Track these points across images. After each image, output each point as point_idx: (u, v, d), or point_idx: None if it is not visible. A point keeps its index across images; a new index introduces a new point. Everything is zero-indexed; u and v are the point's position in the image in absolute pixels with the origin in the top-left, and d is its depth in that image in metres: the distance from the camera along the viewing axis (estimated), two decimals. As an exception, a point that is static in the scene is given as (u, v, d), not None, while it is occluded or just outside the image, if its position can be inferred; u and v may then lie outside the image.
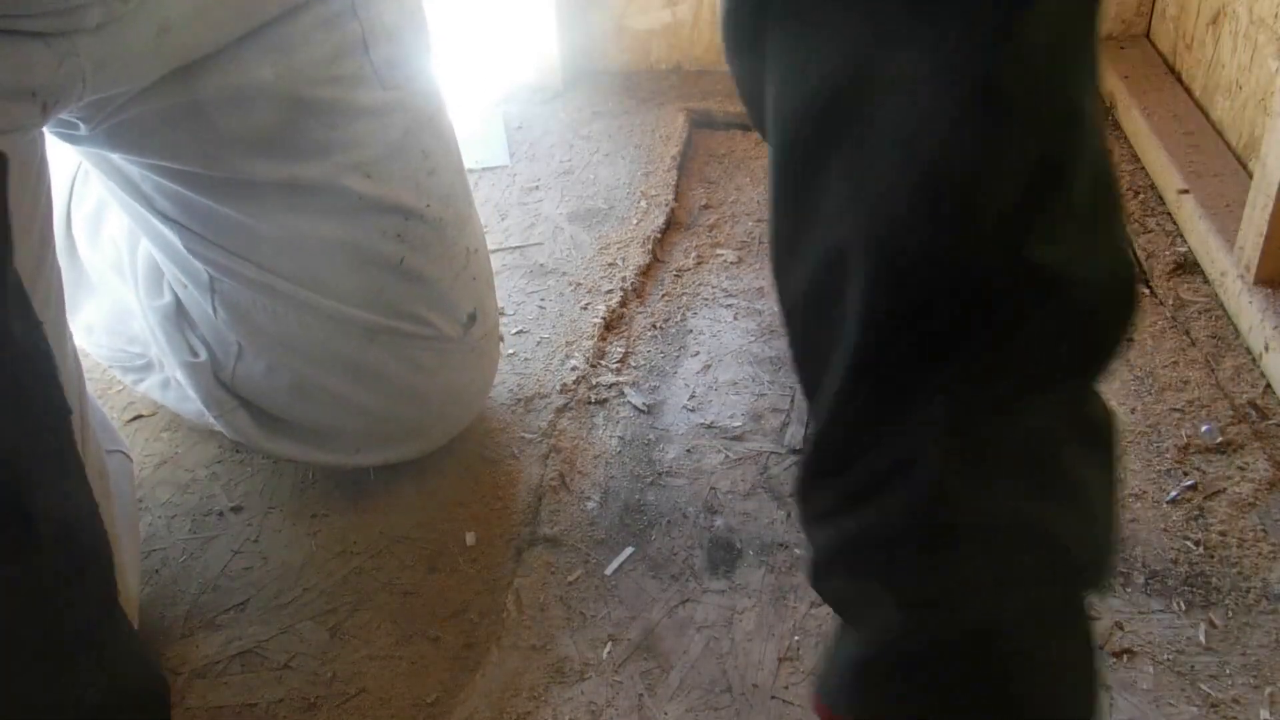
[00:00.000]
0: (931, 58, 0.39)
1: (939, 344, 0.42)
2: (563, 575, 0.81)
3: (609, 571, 0.81)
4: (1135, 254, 0.43)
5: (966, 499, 0.44)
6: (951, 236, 0.40)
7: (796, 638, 0.75)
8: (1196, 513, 0.81)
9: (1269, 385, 0.91)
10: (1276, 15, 1.08)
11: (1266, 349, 0.92)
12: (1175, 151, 1.17)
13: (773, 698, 0.71)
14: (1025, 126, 0.39)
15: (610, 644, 0.76)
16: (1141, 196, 1.19)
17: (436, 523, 0.86)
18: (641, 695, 0.72)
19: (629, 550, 0.83)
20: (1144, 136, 1.24)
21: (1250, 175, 1.08)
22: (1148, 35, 1.47)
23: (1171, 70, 1.36)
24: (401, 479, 0.90)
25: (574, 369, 1.00)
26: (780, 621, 0.76)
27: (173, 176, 0.75)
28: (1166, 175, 1.17)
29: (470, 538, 0.84)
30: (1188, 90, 1.30)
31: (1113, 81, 1.37)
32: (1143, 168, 1.24)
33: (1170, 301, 1.03)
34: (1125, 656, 0.72)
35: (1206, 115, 1.24)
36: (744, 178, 1.34)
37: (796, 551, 0.81)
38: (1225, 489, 0.83)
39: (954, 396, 0.43)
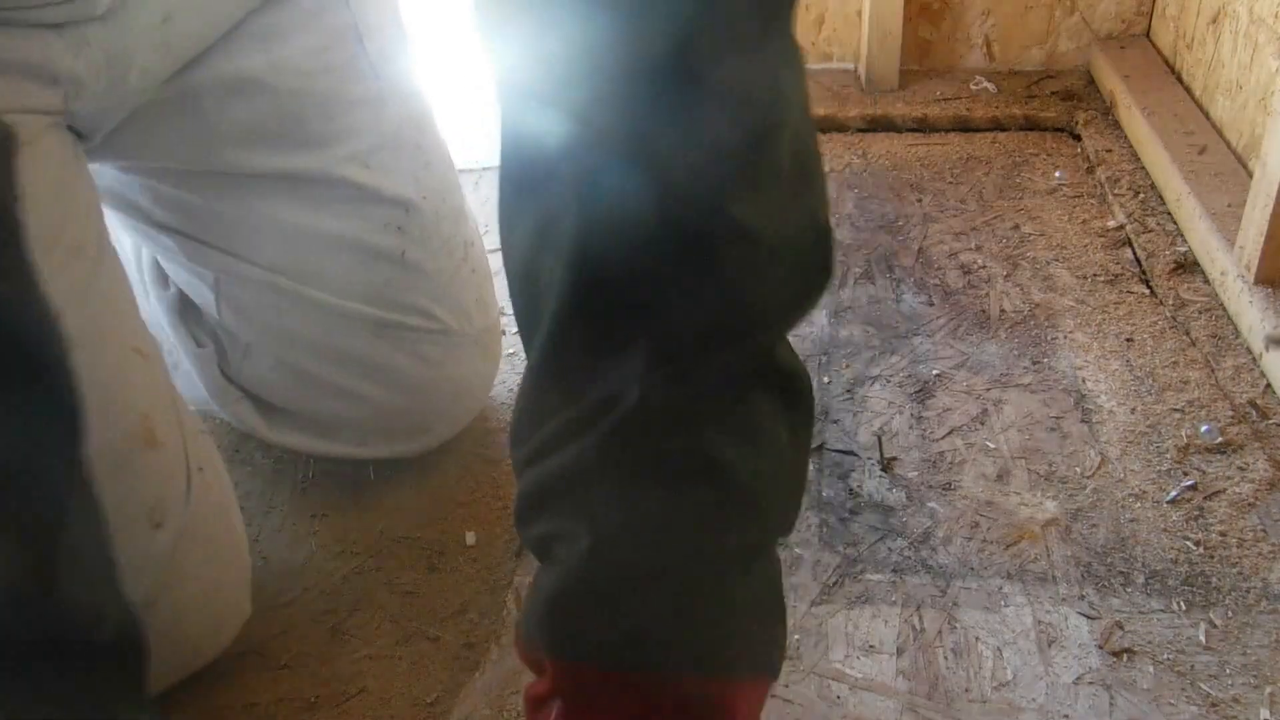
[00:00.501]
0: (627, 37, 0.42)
1: (641, 291, 0.46)
2: None
3: None
4: (828, 219, 0.47)
5: (661, 437, 0.47)
6: (654, 195, 0.44)
7: (796, 636, 0.75)
8: (1196, 513, 0.81)
9: (1269, 385, 0.91)
10: (1277, 14, 1.08)
11: (1267, 348, 0.92)
12: (1175, 151, 1.17)
13: (773, 696, 0.71)
14: (720, 100, 0.43)
15: None
16: (1141, 196, 1.19)
17: (437, 522, 0.86)
18: None
19: None
20: (1144, 136, 1.24)
21: (1250, 175, 1.08)
22: (1148, 35, 1.47)
23: (1172, 70, 1.36)
24: (402, 479, 0.90)
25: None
26: None
27: (171, 179, 0.75)
28: (1167, 175, 1.17)
29: (470, 537, 0.84)
30: (1188, 90, 1.30)
31: (1113, 81, 1.37)
32: (1143, 167, 1.24)
33: (1170, 301, 1.03)
34: (1125, 656, 0.72)
35: (1207, 115, 1.24)
36: (744, 177, 1.34)
37: (796, 551, 0.81)
38: (1225, 489, 0.83)
39: (655, 340, 0.46)
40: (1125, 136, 1.31)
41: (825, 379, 0.98)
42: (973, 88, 1.48)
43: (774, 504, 0.50)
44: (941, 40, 1.54)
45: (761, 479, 0.48)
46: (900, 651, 0.73)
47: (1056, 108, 1.41)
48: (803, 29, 1.56)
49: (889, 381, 0.97)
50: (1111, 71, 1.38)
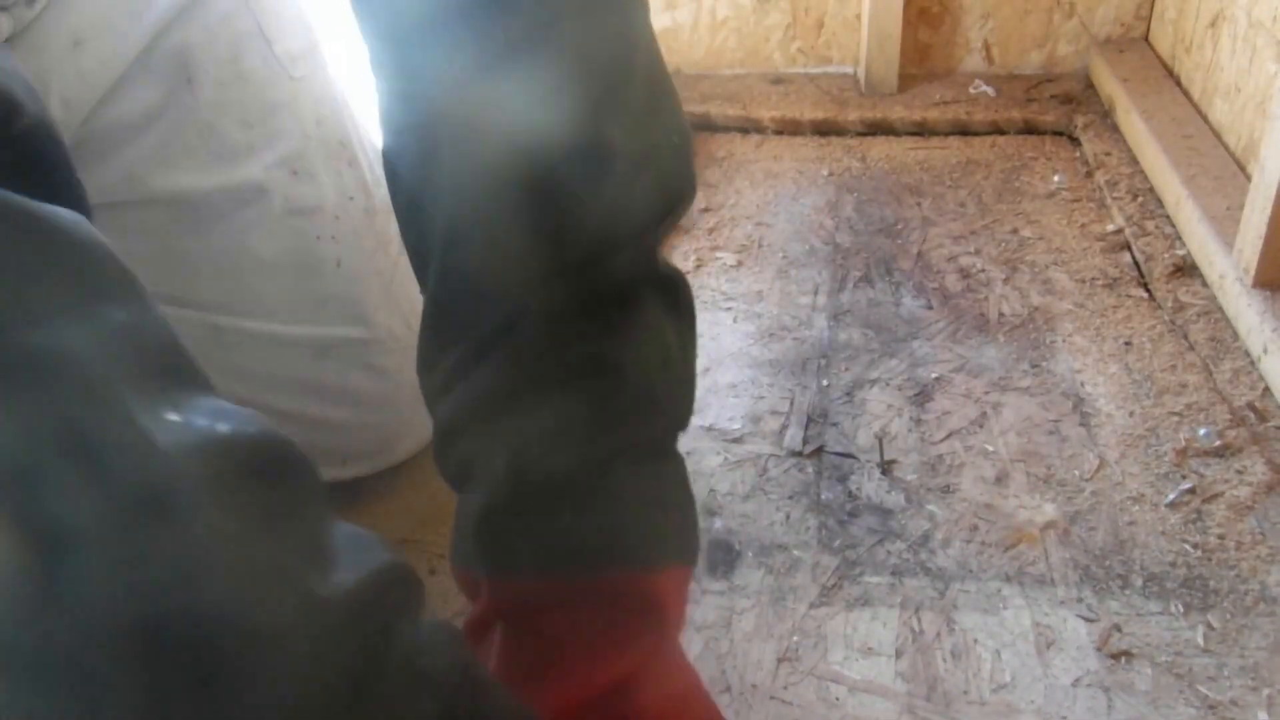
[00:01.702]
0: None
1: (523, 215, 0.50)
2: None
3: None
4: (687, 128, 0.54)
5: (560, 348, 0.50)
6: (526, 129, 0.49)
7: (795, 638, 0.75)
8: (1194, 516, 0.81)
9: (1268, 388, 0.92)
10: (1275, 18, 1.08)
11: (1265, 351, 0.92)
12: (1174, 154, 1.17)
13: (771, 698, 0.71)
14: (579, 52, 0.49)
15: None
16: (1140, 200, 1.19)
17: (437, 524, 0.86)
18: None
19: None
20: (1143, 139, 1.24)
21: (1249, 178, 1.08)
22: (1147, 38, 1.47)
23: (1170, 73, 1.36)
24: (401, 481, 0.90)
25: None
26: (779, 622, 0.76)
27: (98, 223, 0.73)
28: (1165, 178, 1.17)
29: (470, 542, 0.85)
30: (1187, 93, 1.30)
31: (1112, 84, 1.37)
32: (1141, 170, 1.24)
33: (1169, 304, 1.03)
34: (1123, 658, 0.72)
35: (1205, 118, 1.24)
36: (743, 181, 1.34)
37: (795, 553, 0.81)
38: (1223, 492, 0.83)
39: (542, 259, 0.50)
40: (1124, 140, 1.31)
41: (824, 382, 0.98)
42: (972, 91, 1.49)
43: (671, 399, 0.54)
44: (940, 44, 1.54)
45: (656, 376, 0.52)
46: (899, 654, 0.73)
47: (1055, 111, 1.41)
48: (802, 33, 1.56)
49: (888, 385, 0.97)
50: (1110, 75, 1.38)
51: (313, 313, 0.78)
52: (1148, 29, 1.47)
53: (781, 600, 0.78)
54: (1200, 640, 0.72)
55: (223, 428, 0.36)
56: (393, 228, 0.83)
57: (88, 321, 0.34)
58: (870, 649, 0.74)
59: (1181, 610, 0.74)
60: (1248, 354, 0.95)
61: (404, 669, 0.44)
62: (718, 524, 0.85)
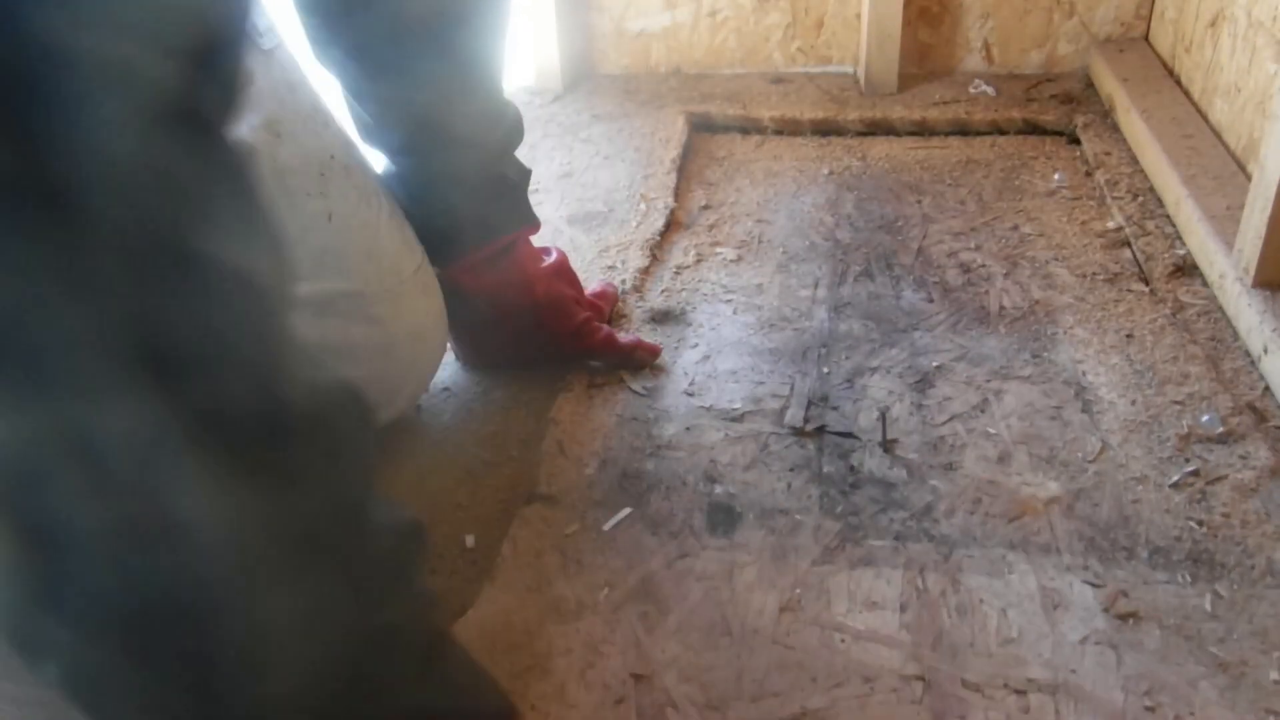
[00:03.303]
0: None
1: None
2: (559, 529, 0.82)
3: (606, 527, 0.82)
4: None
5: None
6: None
7: (798, 590, 0.75)
8: (1199, 496, 0.81)
9: (1268, 387, 0.92)
10: (1275, 18, 1.08)
11: (1265, 351, 0.92)
12: (1174, 154, 1.17)
13: (774, 643, 0.71)
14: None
15: (607, 589, 0.76)
16: (1140, 199, 1.19)
17: (436, 525, 0.86)
18: (638, 634, 0.72)
19: (627, 510, 0.83)
20: (1143, 139, 1.25)
21: (1249, 178, 1.08)
22: (1147, 38, 1.47)
23: (1170, 73, 1.37)
24: (401, 481, 0.90)
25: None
26: (781, 576, 0.76)
27: None
28: (1165, 178, 1.17)
29: (470, 540, 0.84)
30: (1186, 93, 1.31)
31: (1112, 84, 1.37)
32: (1141, 170, 1.24)
33: (1169, 303, 1.03)
34: (1130, 620, 0.71)
35: (1205, 118, 1.24)
36: (744, 180, 1.34)
37: (797, 517, 0.81)
38: (1227, 475, 0.83)
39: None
40: (1124, 139, 1.31)
41: (825, 369, 0.98)
42: (972, 91, 1.49)
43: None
44: (940, 43, 1.54)
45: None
46: (903, 608, 0.73)
47: (1055, 111, 1.41)
48: (802, 32, 1.56)
49: (889, 372, 0.97)
50: (1110, 74, 1.38)
51: (312, 270, 0.80)
52: (1148, 29, 1.47)
53: (783, 557, 0.78)
54: (1208, 606, 0.72)
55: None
56: (370, 181, 0.86)
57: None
58: (874, 603, 0.73)
59: (1189, 580, 0.74)
60: (1248, 354, 0.95)
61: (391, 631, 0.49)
62: (718, 489, 0.85)
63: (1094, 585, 0.74)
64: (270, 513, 0.43)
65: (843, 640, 0.71)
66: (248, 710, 0.45)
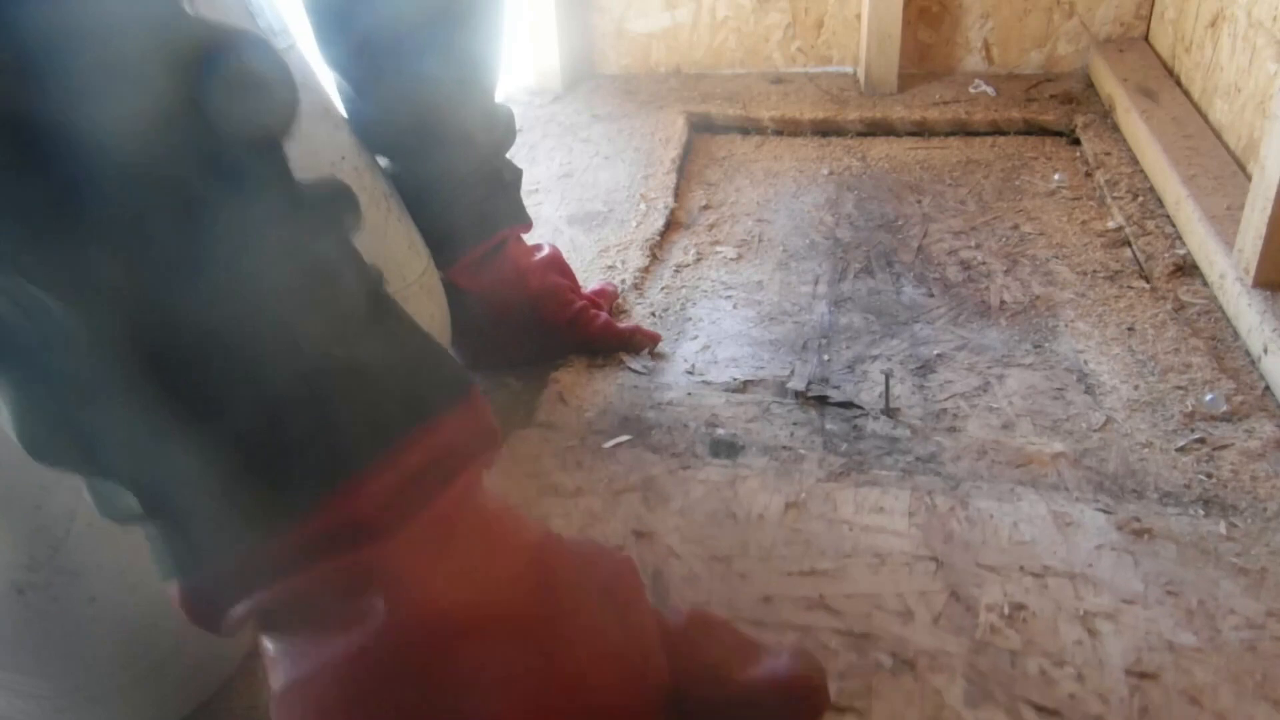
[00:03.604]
0: None
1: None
2: (558, 444, 0.82)
3: (607, 445, 0.82)
4: None
5: None
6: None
7: (803, 494, 0.75)
8: (1207, 457, 0.81)
9: (1268, 387, 0.92)
10: (1275, 18, 1.08)
11: (1265, 351, 0.92)
12: (1174, 154, 1.18)
13: (780, 526, 0.71)
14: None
15: (608, 480, 0.77)
16: (1140, 199, 1.20)
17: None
18: (640, 511, 0.73)
19: (627, 436, 0.84)
20: (1143, 139, 1.25)
21: (1249, 178, 1.08)
22: (1146, 38, 1.47)
23: (1170, 73, 1.37)
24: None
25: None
26: (786, 484, 0.76)
27: None
28: (1165, 178, 1.17)
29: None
30: (1187, 93, 1.31)
31: (1112, 84, 1.38)
32: (1141, 170, 1.25)
33: (1170, 304, 1.03)
34: (1145, 536, 0.71)
35: (1205, 118, 1.24)
36: (744, 180, 1.34)
37: (800, 451, 0.81)
38: (1234, 444, 0.83)
39: None
40: (1124, 139, 1.31)
41: (826, 357, 0.98)
42: (972, 91, 1.49)
43: None
44: (940, 43, 1.54)
45: None
46: (912, 514, 0.73)
47: (1055, 111, 1.41)
48: (802, 32, 1.56)
49: (890, 360, 0.97)
50: (1110, 75, 1.39)
51: None
52: (1148, 28, 1.47)
53: (787, 473, 0.78)
54: (1223, 530, 0.72)
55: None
56: (378, 183, 0.86)
57: None
58: (882, 509, 0.73)
59: (1202, 513, 0.74)
60: (1248, 354, 0.95)
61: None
62: (720, 431, 0.85)
63: (1105, 512, 0.74)
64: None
65: (851, 530, 0.71)
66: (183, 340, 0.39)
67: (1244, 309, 0.96)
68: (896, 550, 0.68)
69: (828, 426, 0.86)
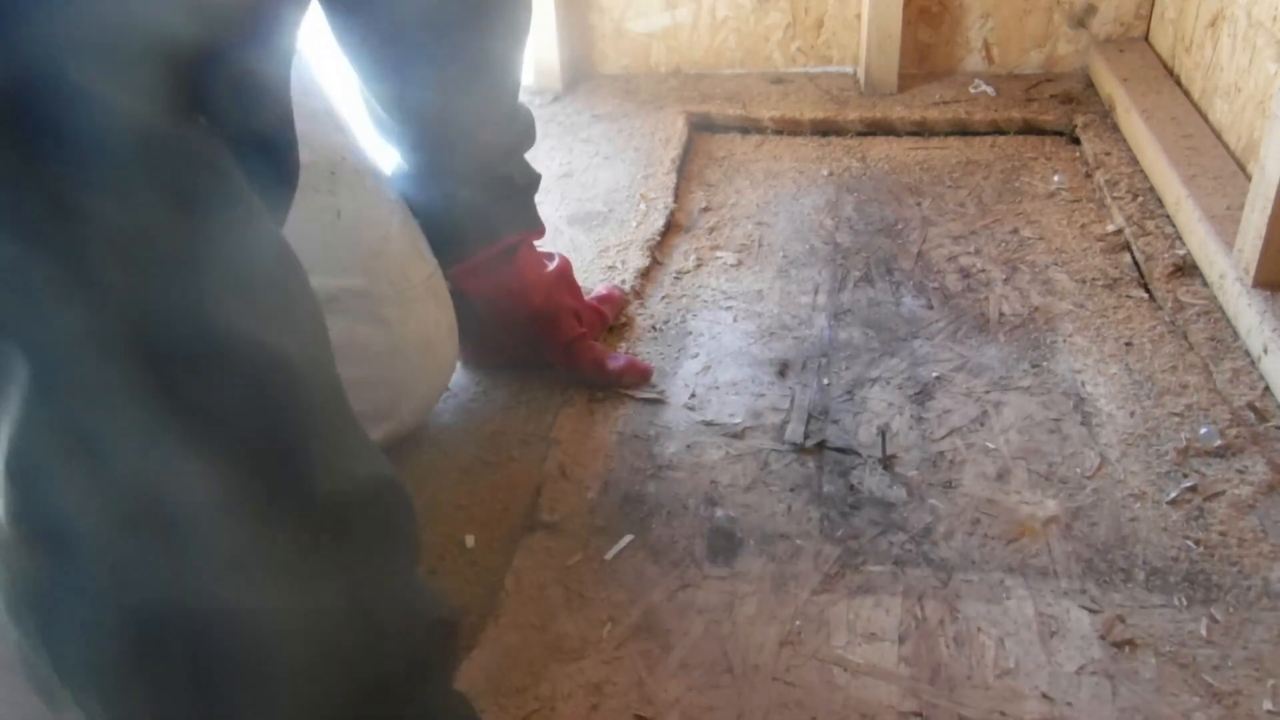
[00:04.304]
0: None
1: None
2: (561, 559, 0.82)
3: (608, 557, 0.82)
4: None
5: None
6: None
7: (798, 622, 0.75)
8: (1196, 513, 0.81)
9: (1268, 387, 0.92)
10: (1275, 18, 1.08)
11: (1265, 351, 0.92)
12: (1174, 154, 1.17)
13: (774, 679, 0.71)
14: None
15: (610, 624, 0.76)
16: (1140, 199, 1.19)
17: (436, 525, 0.86)
18: (641, 674, 0.72)
19: (629, 538, 0.83)
20: (1143, 139, 1.25)
21: (1249, 178, 1.08)
22: (1146, 38, 1.47)
23: (1170, 73, 1.37)
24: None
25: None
26: (781, 607, 0.76)
27: None
28: (1165, 178, 1.17)
29: (470, 540, 0.85)
30: (1186, 93, 1.31)
31: (1112, 84, 1.37)
32: (1141, 170, 1.24)
33: (1169, 304, 1.03)
34: (1127, 648, 0.72)
35: (1205, 118, 1.24)
36: (744, 180, 1.34)
37: (797, 542, 0.81)
38: (1225, 491, 0.83)
39: None
40: (1124, 140, 1.31)
41: (825, 380, 0.98)
42: (972, 91, 1.49)
43: None
44: (940, 44, 1.54)
45: None
46: (902, 639, 0.73)
47: (1055, 111, 1.41)
48: (802, 32, 1.56)
49: (889, 384, 0.97)
50: (1110, 75, 1.38)
51: (318, 264, 0.79)
52: (1148, 28, 1.47)
53: (784, 586, 0.78)
54: (1204, 632, 0.72)
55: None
56: (383, 187, 0.86)
57: None
58: (873, 634, 0.74)
59: (1185, 603, 0.75)
60: (1248, 354, 0.95)
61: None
62: (719, 513, 0.85)
63: (1091, 611, 0.74)
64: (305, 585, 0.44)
65: (841, 678, 0.71)
66: None
67: (1244, 309, 0.96)
68: (885, 705, 0.69)
69: (825, 489, 0.86)
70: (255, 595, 0.41)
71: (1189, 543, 0.79)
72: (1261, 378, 0.93)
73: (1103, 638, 0.72)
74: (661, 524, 0.84)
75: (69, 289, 0.37)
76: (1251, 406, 0.90)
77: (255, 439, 0.42)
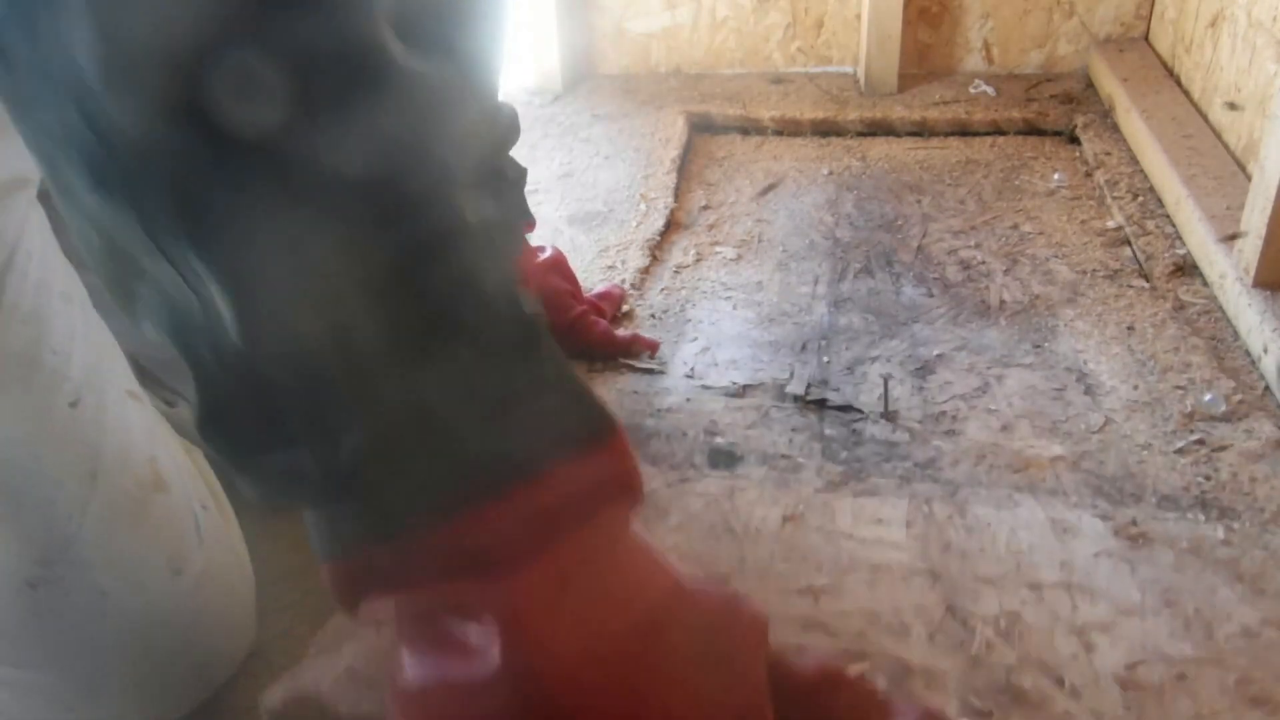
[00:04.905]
0: None
1: None
2: None
3: None
4: None
5: None
6: None
7: (801, 507, 0.75)
8: (1205, 459, 0.81)
9: (1268, 387, 0.91)
10: (1275, 18, 1.08)
11: (1265, 351, 0.92)
12: (1174, 154, 1.17)
13: (778, 540, 0.71)
14: None
15: None
16: (1141, 199, 1.19)
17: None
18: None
19: None
20: (1143, 139, 1.25)
21: (1249, 178, 1.08)
22: (1147, 38, 1.47)
23: (1170, 73, 1.37)
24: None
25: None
26: (784, 495, 0.76)
27: None
28: (1165, 178, 1.17)
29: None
30: (1187, 93, 1.31)
31: (1112, 84, 1.37)
32: (1141, 170, 1.24)
33: (1170, 303, 1.03)
34: (1141, 541, 0.71)
35: (1205, 118, 1.24)
36: (744, 180, 1.34)
37: (799, 460, 0.81)
38: (1233, 444, 0.83)
39: None
40: (1124, 139, 1.31)
41: (825, 359, 0.98)
42: (971, 91, 1.49)
43: None
44: (940, 44, 1.54)
45: None
46: (910, 524, 0.73)
47: (1055, 111, 1.41)
48: (802, 32, 1.56)
49: (889, 361, 0.97)
50: (1110, 74, 1.38)
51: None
52: (1148, 28, 1.47)
53: (785, 484, 0.78)
54: (1221, 535, 0.72)
55: None
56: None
57: None
58: (880, 520, 0.73)
59: (1200, 518, 0.74)
60: (1248, 354, 0.95)
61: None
62: (719, 440, 0.85)
63: (1103, 518, 0.74)
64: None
65: (847, 545, 0.70)
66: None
67: (1244, 309, 0.96)
68: (893, 563, 0.68)
69: (826, 432, 0.86)
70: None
71: (1200, 479, 0.79)
72: (1261, 377, 0.93)
73: (1117, 534, 0.71)
74: (661, 444, 0.85)
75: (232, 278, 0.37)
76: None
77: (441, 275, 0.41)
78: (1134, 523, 0.73)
